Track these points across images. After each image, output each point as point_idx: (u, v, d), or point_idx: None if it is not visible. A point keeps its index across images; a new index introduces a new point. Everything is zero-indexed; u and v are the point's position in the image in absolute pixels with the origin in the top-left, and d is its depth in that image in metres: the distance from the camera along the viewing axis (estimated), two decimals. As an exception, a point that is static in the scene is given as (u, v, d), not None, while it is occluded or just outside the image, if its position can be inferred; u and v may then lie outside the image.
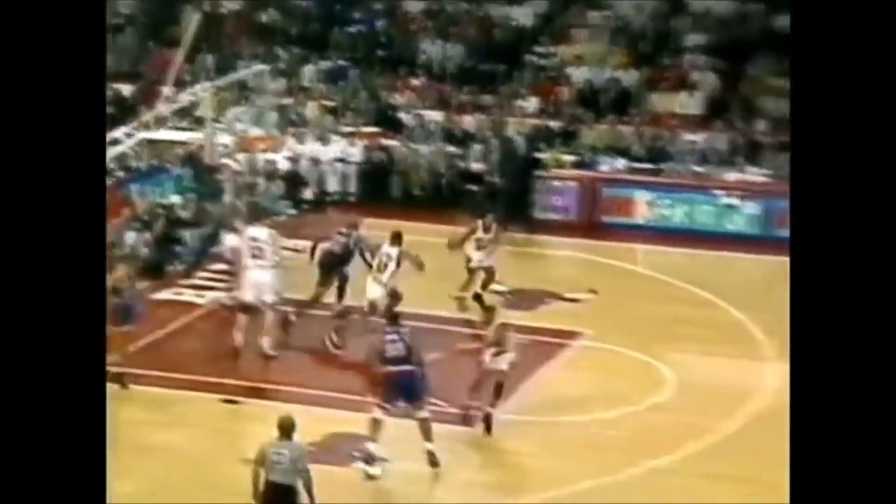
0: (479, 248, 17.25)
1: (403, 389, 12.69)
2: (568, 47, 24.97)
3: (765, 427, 13.72)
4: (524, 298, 17.83)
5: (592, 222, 21.19)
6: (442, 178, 22.36)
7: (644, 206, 21.21)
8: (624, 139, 22.84)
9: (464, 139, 23.03)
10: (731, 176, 21.72)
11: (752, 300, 17.43)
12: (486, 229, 17.32)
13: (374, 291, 15.91)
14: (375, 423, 12.64)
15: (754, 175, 21.65)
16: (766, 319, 16.76)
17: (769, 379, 15.09)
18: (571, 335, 16.38)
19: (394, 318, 13.22)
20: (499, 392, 13.55)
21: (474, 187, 21.98)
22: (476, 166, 22.39)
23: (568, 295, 17.93)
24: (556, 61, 24.74)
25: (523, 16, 25.77)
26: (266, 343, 15.03)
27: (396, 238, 16.21)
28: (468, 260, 17.20)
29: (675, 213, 21.17)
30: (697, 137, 22.57)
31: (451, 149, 22.77)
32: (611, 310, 17.21)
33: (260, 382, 14.49)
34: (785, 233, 20.30)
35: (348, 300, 16.24)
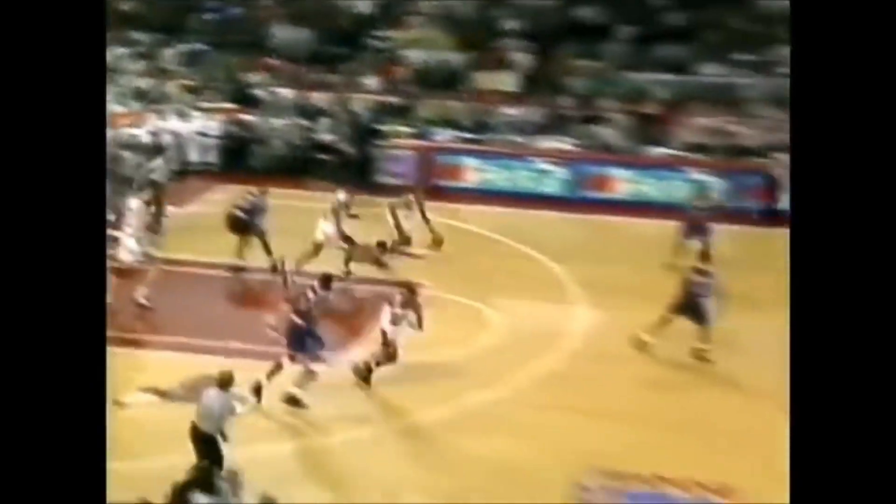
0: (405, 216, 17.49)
1: (297, 341, 12.66)
2: (403, 33, 25.04)
3: (579, 362, 14.17)
4: (372, 254, 17.97)
5: (428, 186, 21.39)
6: (296, 149, 22.25)
7: (472, 172, 21.48)
8: (453, 113, 23.03)
9: (314, 114, 22.95)
10: (544, 144, 22.08)
11: (564, 253, 17.89)
12: (410, 203, 17.68)
13: (328, 228, 16.34)
14: (277, 367, 12.69)
15: (563, 144, 22.05)
16: (575, 269, 17.27)
17: (579, 321, 15.59)
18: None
19: (325, 282, 13.03)
20: (389, 355, 13.28)
21: (325, 156, 21.97)
22: (326, 138, 22.36)
23: (409, 250, 18.12)
24: (393, 45, 24.78)
25: (363, 5, 25.70)
26: (141, 294, 14.94)
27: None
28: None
29: (498, 178, 21.47)
30: (515, 111, 22.87)
31: (304, 122, 22.67)
32: (446, 263, 17.47)
33: (132, 333, 14.30)
34: (590, 194, 21.19)
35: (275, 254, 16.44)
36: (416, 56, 24.38)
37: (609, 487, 11.71)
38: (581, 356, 14.47)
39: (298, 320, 12.74)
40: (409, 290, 13.52)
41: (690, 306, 14.19)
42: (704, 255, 14.65)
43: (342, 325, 14.47)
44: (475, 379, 13.52)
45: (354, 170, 21.21)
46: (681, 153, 21.36)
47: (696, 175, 20.69)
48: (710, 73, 22.75)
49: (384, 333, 13.31)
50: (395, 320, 13.33)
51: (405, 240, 17.52)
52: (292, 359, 12.64)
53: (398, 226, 17.55)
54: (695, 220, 17.50)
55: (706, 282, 14.22)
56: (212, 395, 10.79)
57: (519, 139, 22.29)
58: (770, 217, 19.63)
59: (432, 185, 21.53)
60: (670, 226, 19.10)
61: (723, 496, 11.54)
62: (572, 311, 15.92)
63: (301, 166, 21.64)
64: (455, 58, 24.32)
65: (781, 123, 21.37)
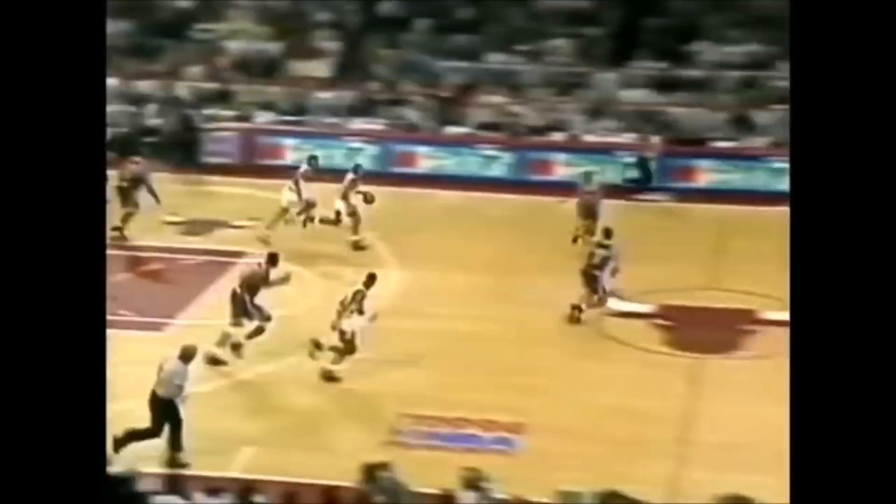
0: (344, 197, 16.89)
1: (241, 310, 12.91)
2: (224, 25, 24.27)
3: (390, 318, 14.05)
4: (200, 226, 17.52)
5: (250, 165, 20.91)
6: (126, 133, 21.28)
7: (291, 151, 21.11)
8: (272, 97, 22.56)
9: (142, 100, 22.05)
10: (356, 125, 21.88)
11: (377, 222, 17.71)
12: (358, 178, 17.09)
13: (289, 196, 16.59)
14: (224, 335, 12.78)
15: (373, 124, 21.91)
16: (386, 236, 17.21)
17: (390, 281, 15.54)
18: (238, 254, 16.22)
19: (272, 259, 13.21)
20: (348, 351, 12.74)
21: (153, 139, 21.13)
22: (153, 122, 21.52)
23: (234, 223, 17.72)
24: (214, 36, 24.00)
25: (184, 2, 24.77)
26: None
27: (313, 159, 17.12)
28: (338, 212, 16.88)
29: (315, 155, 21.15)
30: (328, 95, 22.54)
31: (132, 108, 21.75)
32: (272, 233, 17.10)
33: None
34: (398, 169, 21.10)
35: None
36: (236, 46, 23.71)
37: (418, 430, 11.76)
38: (392, 313, 14.42)
39: (242, 292, 12.95)
40: (370, 278, 12.98)
41: (589, 275, 14.20)
42: (607, 232, 14.59)
43: (164, 293, 14.04)
44: (299, 336, 13.28)
45: (182, 151, 20.49)
46: (474, 131, 21.56)
47: (488, 151, 20.89)
48: (496, 60, 23.01)
49: (342, 332, 12.69)
50: (347, 314, 12.74)
51: (358, 220, 16.93)
52: (236, 325, 12.80)
53: (349, 206, 16.94)
54: (586, 200, 16.91)
55: (606, 254, 14.29)
56: (173, 365, 10.70)
57: (332, 120, 21.98)
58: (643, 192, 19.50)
59: (255, 163, 21.05)
60: (467, 196, 19.34)
61: (516, 433, 11.74)
62: (384, 274, 15.77)
63: (131, 149, 20.69)
64: (272, 47, 23.76)
65: (555, 105, 21.87)
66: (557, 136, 21.31)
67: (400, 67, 23.14)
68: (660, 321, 14.47)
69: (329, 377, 12.66)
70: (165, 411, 10.73)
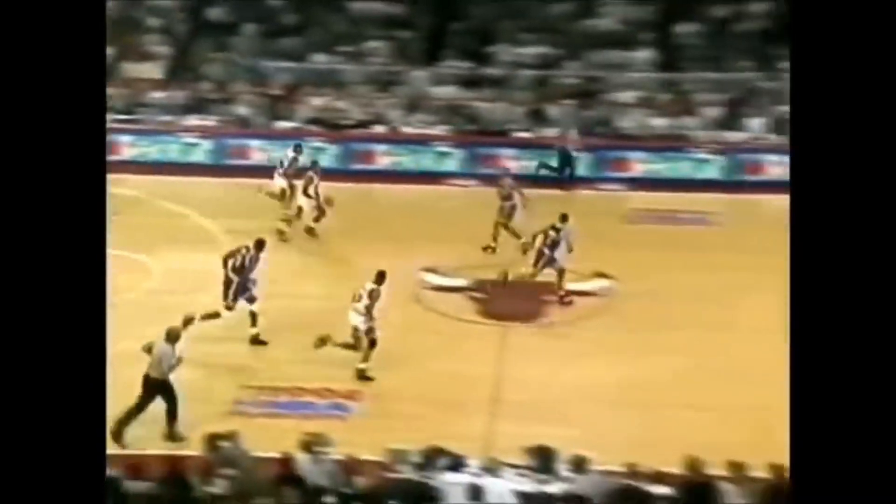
0: (305, 193, 16.44)
1: (233, 293, 12.75)
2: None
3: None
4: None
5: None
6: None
7: (127, 147, 20.34)
8: (109, 99, 21.55)
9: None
10: (191, 122, 21.25)
11: (213, 210, 17.34)
12: (316, 174, 16.54)
13: (281, 181, 16.60)
14: (214, 314, 12.58)
15: (207, 121, 21.36)
16: (222, 223, 16.84)
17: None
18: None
19: (259, 245, 12.92)
20: (371, 346, 12.26)
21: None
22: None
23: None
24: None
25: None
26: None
27: (297, 147, 17.26)
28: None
29: (152, 151, 20.49)
30: (161, 94, 21.77)
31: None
32: (112, 223, 16.37)
33: None
34: (232, 161, 20.65)
35: None
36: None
37: (260, 400, 11.63)
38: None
39: (234, 276, 12.77)
40: (380, 276, 12.43)
41: (547, 256, 14.33)
42: (563, 216, 14.60)
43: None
44: (143, 319, 12.77)
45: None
46: (302, 125, 21.36)
47: (316, 143, 20.74)
48: (319, 61, 22.82)
49: (369, 330, 12.22)
50: (364, 312, 12.21)
51: (322, 212, 16.40)
52: (229, 308, 12.61)
53: (318, 198, 16.36)
54: (505, 190, 16.63)
55: (556, 238, 14.35)
56: (161, 347, 10.48)
57: (167, 118, 21.27)
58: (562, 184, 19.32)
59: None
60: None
61: (352, 399, 11.77)
62: (217, 260, 15.46)
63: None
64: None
65: (374, 100, 21.89)
66: (378, 129, 21.39)
67: (231, 68, 22.62)
68: (473, 294, 14.76)
69: (363, 376, 12.16)
70: (159, 390, 10.59)
